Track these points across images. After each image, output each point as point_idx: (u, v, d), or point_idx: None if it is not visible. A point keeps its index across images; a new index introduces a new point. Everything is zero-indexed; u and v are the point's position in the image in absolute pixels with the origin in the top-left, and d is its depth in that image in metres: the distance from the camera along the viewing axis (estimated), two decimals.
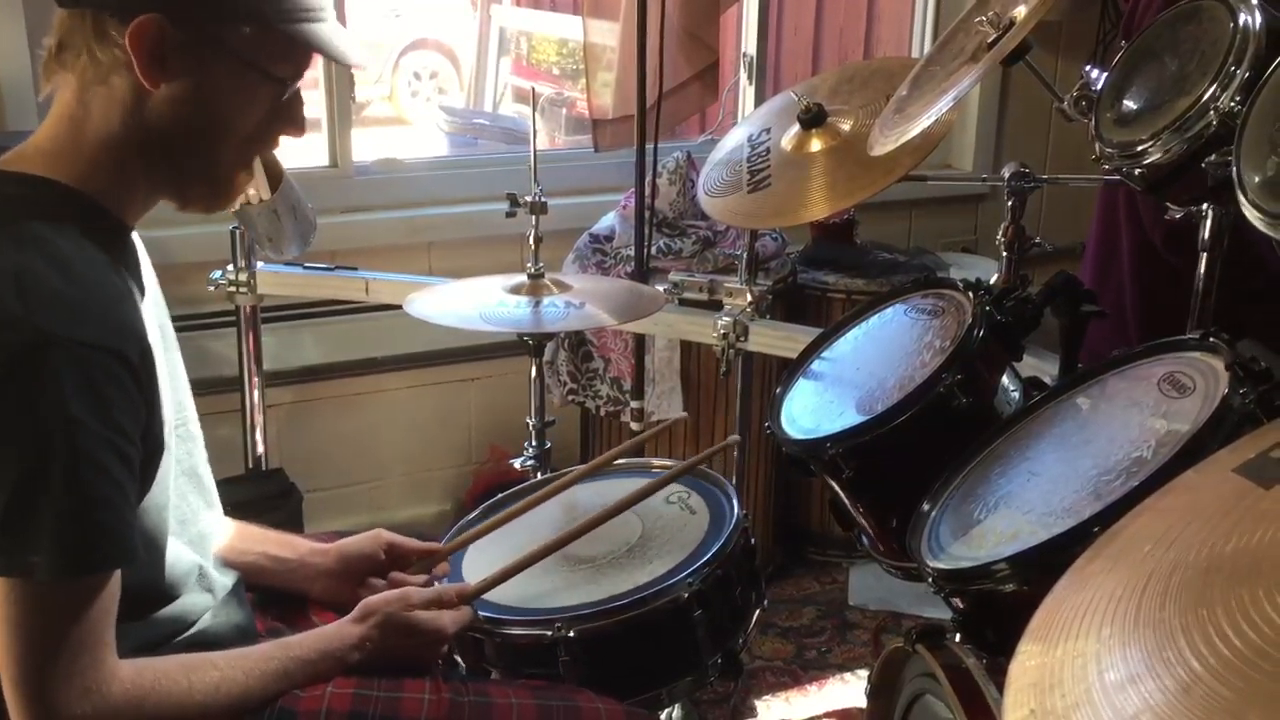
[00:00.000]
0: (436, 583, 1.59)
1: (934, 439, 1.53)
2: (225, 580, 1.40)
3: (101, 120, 1.19)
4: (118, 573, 1.14)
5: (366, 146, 3.14)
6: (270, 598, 1.53)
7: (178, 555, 1.30)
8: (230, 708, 1.21)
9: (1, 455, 1.06)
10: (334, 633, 1.35)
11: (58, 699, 1.09)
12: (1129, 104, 1.53)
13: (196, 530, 1.36)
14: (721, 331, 2.36)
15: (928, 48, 3.36)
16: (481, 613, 1.52)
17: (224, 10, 1.18)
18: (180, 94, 1.18)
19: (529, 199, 2.17)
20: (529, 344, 2.24)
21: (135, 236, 1.30)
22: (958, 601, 1.35)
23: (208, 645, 1.30)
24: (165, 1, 1.14)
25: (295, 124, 1.29)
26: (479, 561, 1.68)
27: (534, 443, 2.30)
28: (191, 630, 1.32)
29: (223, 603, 1.37)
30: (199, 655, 1.24)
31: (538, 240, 2.17)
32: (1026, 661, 0.84)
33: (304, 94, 1.31)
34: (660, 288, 2.41)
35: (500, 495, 1.87)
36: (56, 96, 1.22)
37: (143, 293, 1.27)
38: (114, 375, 1.10)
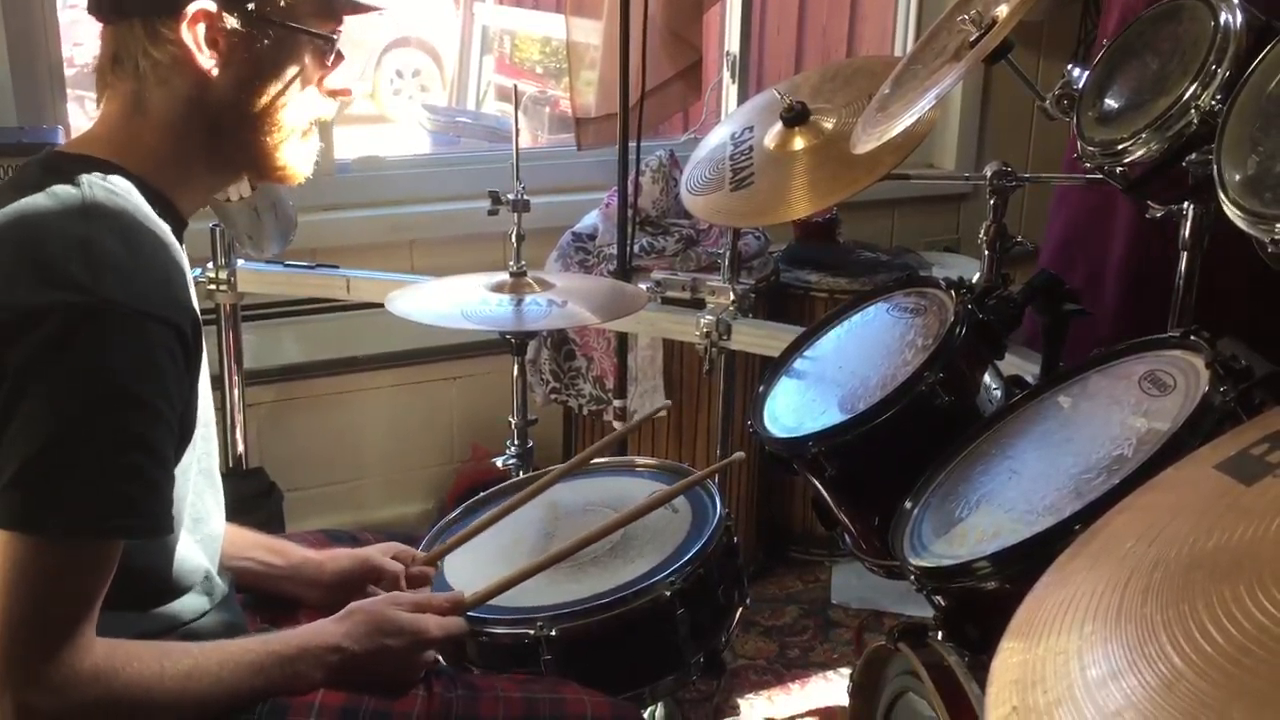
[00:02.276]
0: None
1: (916, 437, 1.53)
2: (224, 586, 1.39)
3: (162, 118, 1.24)
4: (117, 555, 1.13)
5: (348, 144, 3.13)
6: (260, 600, 1.52)
7: (188, 551, 1.30)
8: (203, 698, 1.19)
9: (41, 409, 1.08)
10: (315, 629, 1.33)
11: (30, 662, 1.08)
12: (1110, 103, 1.53)
13: (208, 531, 1.36)
14: (704, 330, 2.36)
15: (910, 46, 3.37)
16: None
17: None
18: (239, 74, 1.25)
19: (511, 197, 2.17)
20: (511, 342, 2.23)
21: None
22: (940, 599, 1.35)
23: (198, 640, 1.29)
24: None
25: (344, 82, 1.35)
26: (462, 563, 1.68)
27: (516, 442, 2.29)
28: (184, 628, 1.31)
29: (217, 605, 1.37)
30: (175, 643, 1.23)
31: (520, 238, 2.16)
32: (1008, 659, 0.84)
33: None
34: (643, 286, 2.41)
35: (481, 494, 1.86)
36: (108, 101, 1.26)
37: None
38: (169, 347, 1.13)
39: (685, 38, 3.11)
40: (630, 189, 2.60)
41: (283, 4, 1.24)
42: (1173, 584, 0.80)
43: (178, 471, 1.21)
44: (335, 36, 1.31)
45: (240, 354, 2.62)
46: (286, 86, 1.28)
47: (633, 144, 2.56)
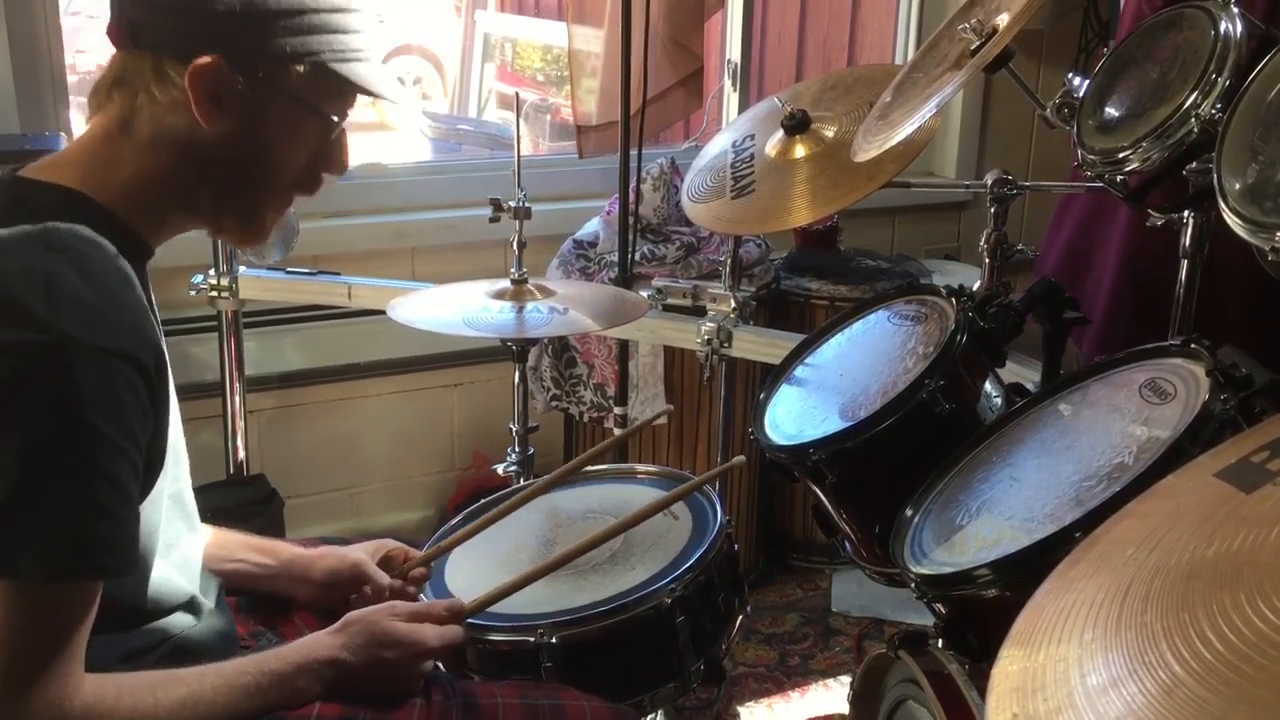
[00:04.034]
0: (422, 595, 1.58)
1: (917, 445, 1.53)
2: (209, 601, 1.38)
3: (147, 152, 1.21)
4: (97, 593, 1.13)
5: (350, 151, 3.12)
6: (252, 602, 1.52)
7: (165, 577, 1.29)
8: None
9: (5, 450, 1.06)
10: (310, 643, 1.32)
11: (20, 704, 1.08)
12: (1111, 111, 1.53)
13: (181, 555, 1.34)
14: (705, 337, 2.37)
15: (911, 55, 3.38)
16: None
17: (282, 52, 1.19)
18: (233, 131, 1.21)
19: (513, 204, 2.17)
20: (512, 349, 2.24)
21: None
22: (940, 607, 1.35)
23: (189, 651, 1.29)
24: (225, 43, 1.17)
25: (339, 163, 1.32)
26: (463, 570, 1.68)
27: (517, 448, 2.30)
28: (173, 641, 1.31)
29: (205, 618, 1.36)
30: (168, 671, 1.22)
31: (521, 245, 2.17)
32: (1009, 666, 0.84)
33: None
34: (644, 293, 2.41)
35: (482, 501, 1.86)
36: (95, 120, 1.23)
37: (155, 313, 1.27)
38: (131, 383, 1.11)
39: (686, 46, 3.11)
40: (631, 196, 2.61)
41: (294, 79, 1.20)
42: (1173, 592, 0.80)
43: (149, 501, 1.20)
44: (339, 119, 1.28)
45: (241, 360, 2.63)
46: (278, 157, 1.26)
47: (634, 152, 2.56)
